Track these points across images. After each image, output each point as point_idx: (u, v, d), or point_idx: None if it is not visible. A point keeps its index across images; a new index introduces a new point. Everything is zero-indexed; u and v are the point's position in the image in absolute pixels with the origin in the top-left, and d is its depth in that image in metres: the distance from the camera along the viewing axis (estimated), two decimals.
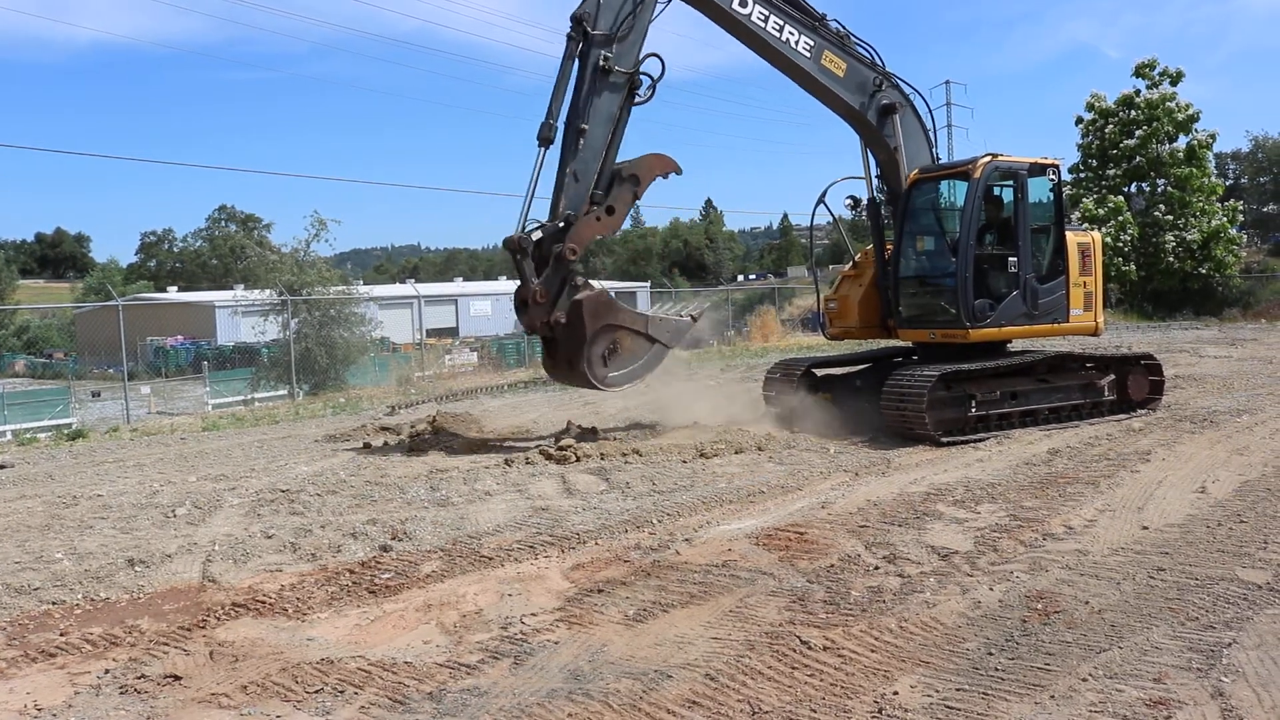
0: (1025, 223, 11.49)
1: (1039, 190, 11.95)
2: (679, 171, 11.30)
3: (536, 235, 10.52)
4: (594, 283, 11.04)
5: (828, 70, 11.95)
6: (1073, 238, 11.98)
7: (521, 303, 10.72)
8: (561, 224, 10.53)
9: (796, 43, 11.74)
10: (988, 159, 11.53)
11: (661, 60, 10.91)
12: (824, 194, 12.65)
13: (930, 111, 12.78)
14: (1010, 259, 11.53)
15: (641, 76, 10.90)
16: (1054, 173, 11.81)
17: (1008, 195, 11.81)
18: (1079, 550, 6.38)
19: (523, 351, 31.32)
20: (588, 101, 10.63)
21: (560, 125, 10.70)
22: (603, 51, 10.63)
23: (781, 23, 11.65)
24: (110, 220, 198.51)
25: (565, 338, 10.69)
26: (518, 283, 10.83)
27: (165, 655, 5.12)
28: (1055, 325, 11.88)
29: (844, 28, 12.13)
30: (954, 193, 12.12)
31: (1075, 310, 11.90)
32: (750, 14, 11.51)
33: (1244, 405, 12.48)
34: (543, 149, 10.68)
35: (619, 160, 10.97)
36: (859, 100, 12.12)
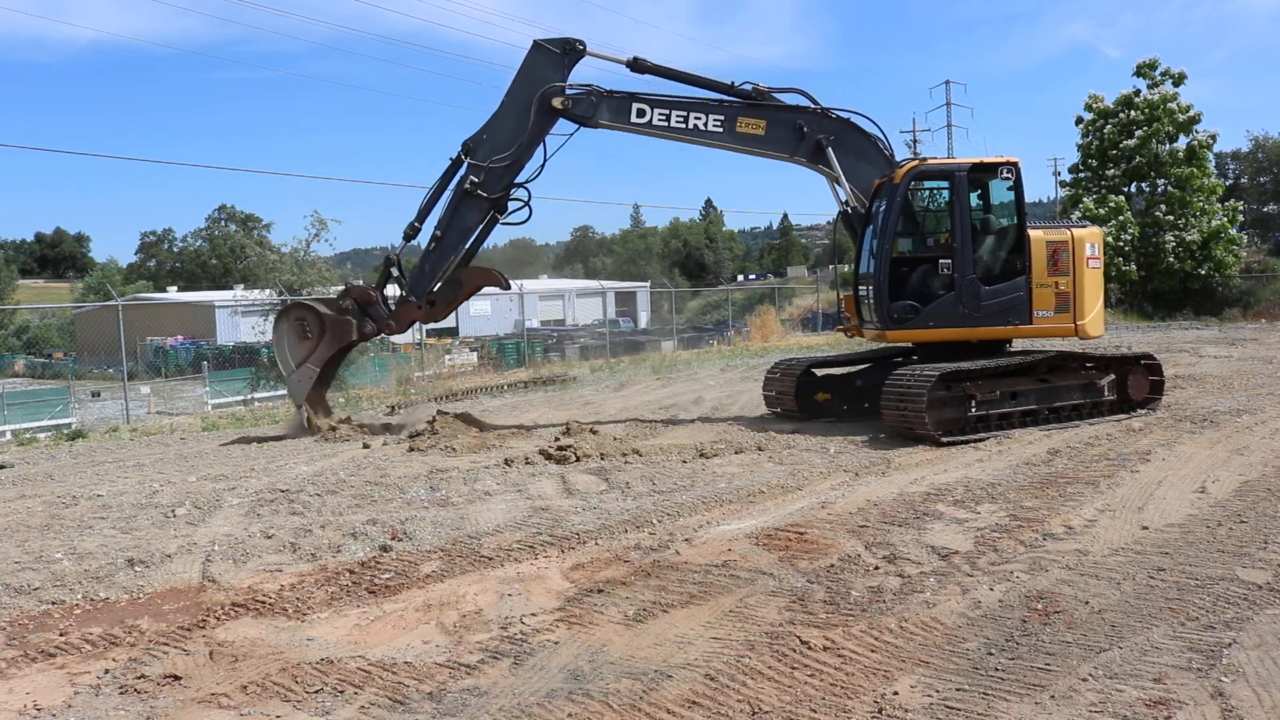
0: (963, 224, 11.46)
1: (995, 190, 11.96)
2: (505, 287, 13.34)
3: (395, 273, 13.06)
4: (365, 337, 13.28)
5: (746, 135, 12.40)
6: (1040, 236, 11.68)
7: (362, 293, 12.93)
8: (403, 294, 12.87)
9: (705, 124, 12.32)
10: (913, 164, 11.66)
11: (529, 190, 12.77)
12: None
13: (879, 126, 12.68)
14: (941, 261, 11.53)
15: (512, 202, 12.76)
16: (1009, 171, 11.67)
17: (946, 197, 11.81)
18: (1079, 550, 6.38)
19: (522, 352, 31.31)
20: (450, 214, 12.56)
21: (428, 227, 12.73)
22: (470, 176, 12.32)
23: (685, 114, 12.32)
24: (110, 220, 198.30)
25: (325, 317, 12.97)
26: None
27: (165, 655, 5.11)
28: (1014, 328, 11.66)
29: (758, 85, 12.44)
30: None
31: (1043, 312, 11.58)
32: (650, 121, 12.32)
33: (1244, 405, 12.47)
34: (404, 241, 13.05)
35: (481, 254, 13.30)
36: (787, 149, 12.45)
